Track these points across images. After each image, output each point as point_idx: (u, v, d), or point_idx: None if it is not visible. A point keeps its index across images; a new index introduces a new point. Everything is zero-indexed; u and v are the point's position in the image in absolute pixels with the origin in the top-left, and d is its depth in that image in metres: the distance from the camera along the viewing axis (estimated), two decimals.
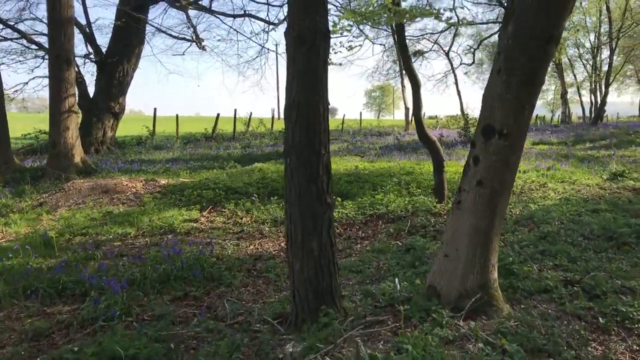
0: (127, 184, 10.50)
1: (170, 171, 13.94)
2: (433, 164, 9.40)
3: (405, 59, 9.31)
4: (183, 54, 20.18)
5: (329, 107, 4.39)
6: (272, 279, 5.96)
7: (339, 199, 9.73)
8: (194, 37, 18.99)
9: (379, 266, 6.07)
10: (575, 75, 52.03)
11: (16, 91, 19.16)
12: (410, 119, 33.87)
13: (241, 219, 8.93)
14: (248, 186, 10.47)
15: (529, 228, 7.20)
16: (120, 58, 18.95)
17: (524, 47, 3.87)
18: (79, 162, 12.43)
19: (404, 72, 32.67)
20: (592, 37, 45.24)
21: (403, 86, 33.65)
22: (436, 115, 37.86)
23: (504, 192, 4.19)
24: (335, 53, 9.53)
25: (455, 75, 37.67)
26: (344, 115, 33.92)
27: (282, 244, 7.50)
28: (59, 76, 11.87)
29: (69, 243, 7.76)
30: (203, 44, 18.89)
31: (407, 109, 33.20)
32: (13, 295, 5.35)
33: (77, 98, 12.87)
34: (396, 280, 4.98)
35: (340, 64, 13.70)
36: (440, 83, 41.83)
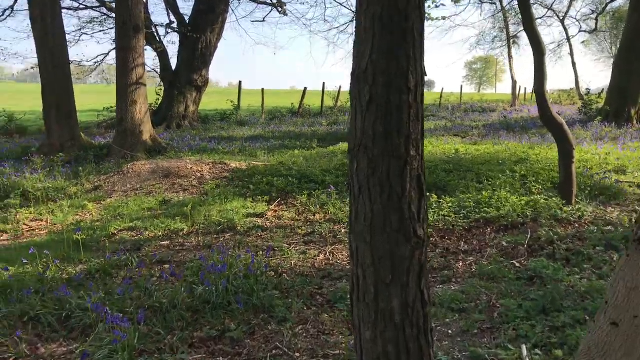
0: (191, 167, 9.29)
1: (246, 151, 12.69)
2: (559, 153, 7.34)
3: (527, 19, 7.25)
4: (263, 20, 18.73)
5: (424, 79, 2.66)
6: (341, 314, 4.38)
7: (434, 195, 7.93)
8: (275, 1, 17.53)
9: (490, 304, 4.31)
10: None
11: (96, 62, 18.71)
12: (517, 93, 30.79)
13: (314, 215, 7.40)
14: (325, 174, 8.90)
15: None
16: (203, 27, 17.92)
17: None
18: (147, 139, 11.44)
19: (511, 41, 29.61)
20: None
21: (510, 57, 30.54)
22: (570, 89, 34.24)
23: None
24: (437, 6, 7.62)
25: (570, 46, 33.82)
26: (442, 88, 31.44)
27: None
28: (126, 45, 10.84)
29: (111, 240, 6.61)
30: (285, 8, 17.40)
31: (514, 82, 30.14)
32: (6, 324, 4.15)
33: (145, 69, 11.81)
34: (523, 349, 3.22)
35: (444, 19, 11.55)
36: (552, 54, 37.85)
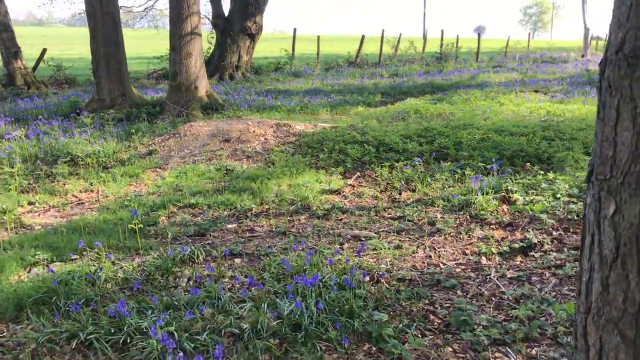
0: (254, 131, 8.31)
1: (307, 108, 11.62)
2: None
3: None
4: None
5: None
6: (469, 348, 3.38)
7: (540, 172, 6.75)
8: None
9: None
10: None
11: (147, 8, 17.69)
12: (589, 42, 28.33)
13: (399, 193, 6.36)
14: (406, 141, 7.77)
15: None
16: None
17: None
18: (203, 95, 10.48)
19: None
20: None
21: (584, 1, 27.93)
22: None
23: None
24: None
25: None
26: (509, 36, 29.18)
27: (468, 251, 4.86)
28: None
29: (170, 219, 5.76)
30: None
31: (586, 29, 27.64)
32: (50, 348, 3.34)
33: (200, 17, 10.75)
34: None
35: None
36: None
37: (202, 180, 6.90)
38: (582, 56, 27.09)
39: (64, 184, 6.86)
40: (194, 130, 8.40)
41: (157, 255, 4.61)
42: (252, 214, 5.90)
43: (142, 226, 4.92)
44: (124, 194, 6.66)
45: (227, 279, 4.29)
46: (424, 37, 26.34)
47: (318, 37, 21.66)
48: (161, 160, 7.77)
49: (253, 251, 4.90)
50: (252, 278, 4.06)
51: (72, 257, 4.48)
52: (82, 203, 6.50)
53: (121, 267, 4.40)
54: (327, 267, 4.29)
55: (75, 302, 3.77)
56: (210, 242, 5.17)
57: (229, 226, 5.59)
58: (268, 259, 4.61)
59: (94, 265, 4.38)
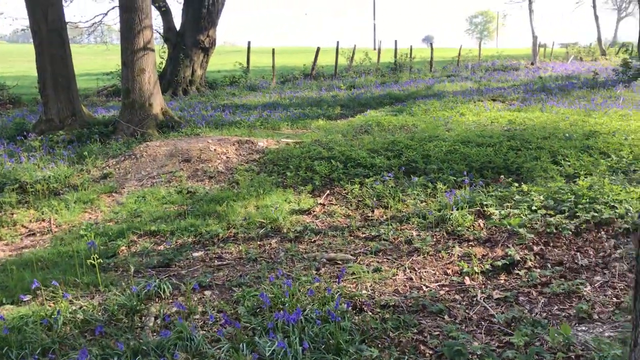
0: (215, 149, 7.96)
1: (267, 123, 11.32)
2: None
3: None
4: None
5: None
6: None
7: (508, 179, 6.67)
8: None
9: None
10: None
11: (95, 23, 17.04)
12: (537, 50, 29.06)
13: (372, 211, 6.14)
14: (374, 155, 7.58)
15: None
16: None
17: None
18: (158, 113, 10.05)
19: None
20: None
21: (531, 11, 28.67)
22: (575, 42, 32.45)
23: None
24: None
25: None
26: (461, 45, 29.62)
27: (450, 270, 4.67)
28: (130, 4, 9.31)
29: (131, 249, 5.37)
30: None
31: (534, 37, 28.34)
32: None
33: (153, 32, 10.35)
34: None
35: None
36: (575, 5, 35.78)
37: (163, 205, 6.51)
38: (532, 64, 27.75)
39: (12, 214, 6.34)
40: (150, 151, 7.98)
41: (120, 292, 4.23)
42: (219, 239, 5.56)
43: (101, 261, 4.51)
44: (79, 222, 6.21)
45: (198, 316, 3.96)
46: (378, 49, 26.42)
47: (273, 50, 21.40)
48: (117, 184, 7.32)
49: (224, 282, 4.58)
50: (227, 315, 3.74)
51: (24, 299, 4.05)
52: (33, 234, 6.01)
53: (80, 307, 4.01)
54: (305, 296, 4.03)
55: (30, 352, 3.37)
56: (176, 273, 4.81)
57: (195, 254, 5.24)
58: (241, 290, 4.30)
59: (50, 307, 3.97)
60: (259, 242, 5.42)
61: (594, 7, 32.54)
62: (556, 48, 36.06)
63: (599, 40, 33.40)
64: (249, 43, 20.90)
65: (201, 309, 4.05)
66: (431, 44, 25.96)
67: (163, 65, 17.41)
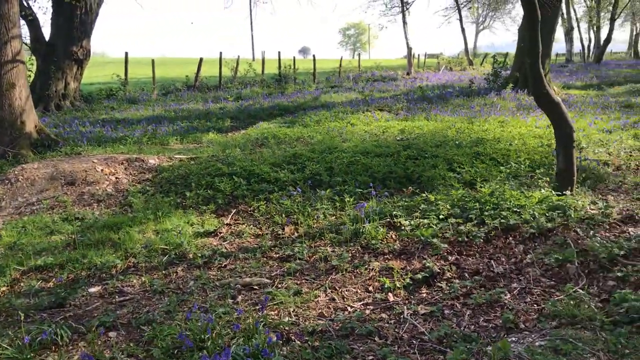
0: (102, 170, 7.29)
1: (156, 138, 10.68)
2: (556, 136, 6.44)
3: None
4: None
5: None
6: None
7: (411, 189, 6.76)
8: None
9: None
10: (575, 10, 48.75)
11: None
12: (412, 60, 30.47)
13: (282, 228, 5.89)
14: (277, 170, 7.35)
15: None
16: None
17: None
18: (32, 131, 9.06)
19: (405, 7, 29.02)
20: None
21: (405, 23, 30.04)
22: (440, 53, 34.41)
23: None
24: None
25: (459, 10, 34.08)
26: (341, 57, 30.26)
27: (371, 287, 4.54)
28: None
29: (15, 289, 4.68)
30: None
31: (409, 49, 29.70)
32: None
33: (22, 42, 9.36)
34: None
35: None
36: (444, 18, 38.12)
37: (48, 235, 5.80)
38: (408, 74, 29.03)
39: None
40: (27, 174, 7.12)
41: (8, 344, 3.62)
42: (117, 271, 5.02)
43: None
44: None
45: None
46: (262, 60, 26.26)
47: (153, 61, 20.44)
48: None
49: (129, 320, 4.10)
50: (123, 339, 3.31)
51: None
52: None
53: None
54: (226, 329, 3.69)
55: None
56: (72, 314, 4.24)
57: (92, 290, 4.68)
58: (151, 328, 3.86)
59: None
60: (163, 272, 4.97)
61: (460, 20, 34.91)
62: (426, 58, 38.16)
63: (466, 51, 35.84)
64: (126, 54, 19.79)
65: (108, 354, 3.56)
66: (314, 56, 26.26)
67: (32, 79, 15.93)
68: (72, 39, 15.41)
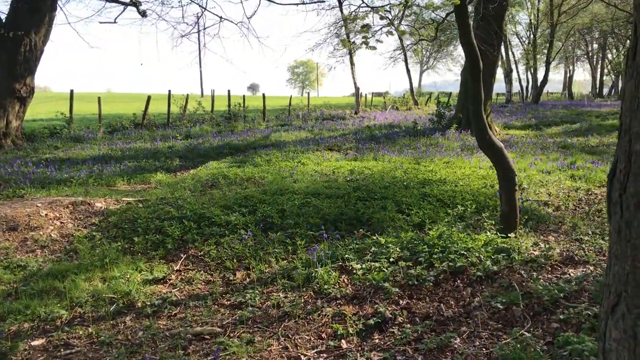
0: (46, 214, 7.07)
1: (102, 179, 10.45)
2: (499, 180, 6.71)
3: (464, 31, 6.47)
4: (115, 22, 15.94)
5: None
6: None
7: (362, 231, 6.86)
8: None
9: None
10: (513, 53, 51.29)
11: None
12: (359, 99, 31.17)
13: (234, 274, 5.85)
14: (228, 212, 7.32)
15: None
16: (26, 28, 14.87)
17: None
18: None
19: (352, 50, 29.77)
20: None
21: (352, 64, 30.81)
22: (386, 92, 35.35)
23: None
24: None
25: (405, 53, 35.24)
26: (291, 95, 30.61)
27: (324, 334, 4.55)
28: None
29: None
30: (142, 8, 14.99)
31: (357, 89, 30.42)
32: None
33: None
34: None
35: None
36: (389, 60, 39.39)
37: None
38: (356, 113, 29.64)
39: None
40: None
41: None
42: (62, 322, 4.84)
43: None
44: None
45: None
46: (212, 97, 26.26)
47: (99, 98, 20.11)
48: None
49: None
50: None
51: None
52: None
53: None
54: None
55: None
56: None
57: (35, 343, 4.49)
58: None
59: None
60: (111, 322, 4.83)
61: (406, 62, 36.14)
62: (373, 97, 39.18)
63: (412, 91, 37.04)
64: (71, 91, 19.41)
65: None
66: (263, 94, 26.47)
67: None
68: (15, 76, 15.03)
